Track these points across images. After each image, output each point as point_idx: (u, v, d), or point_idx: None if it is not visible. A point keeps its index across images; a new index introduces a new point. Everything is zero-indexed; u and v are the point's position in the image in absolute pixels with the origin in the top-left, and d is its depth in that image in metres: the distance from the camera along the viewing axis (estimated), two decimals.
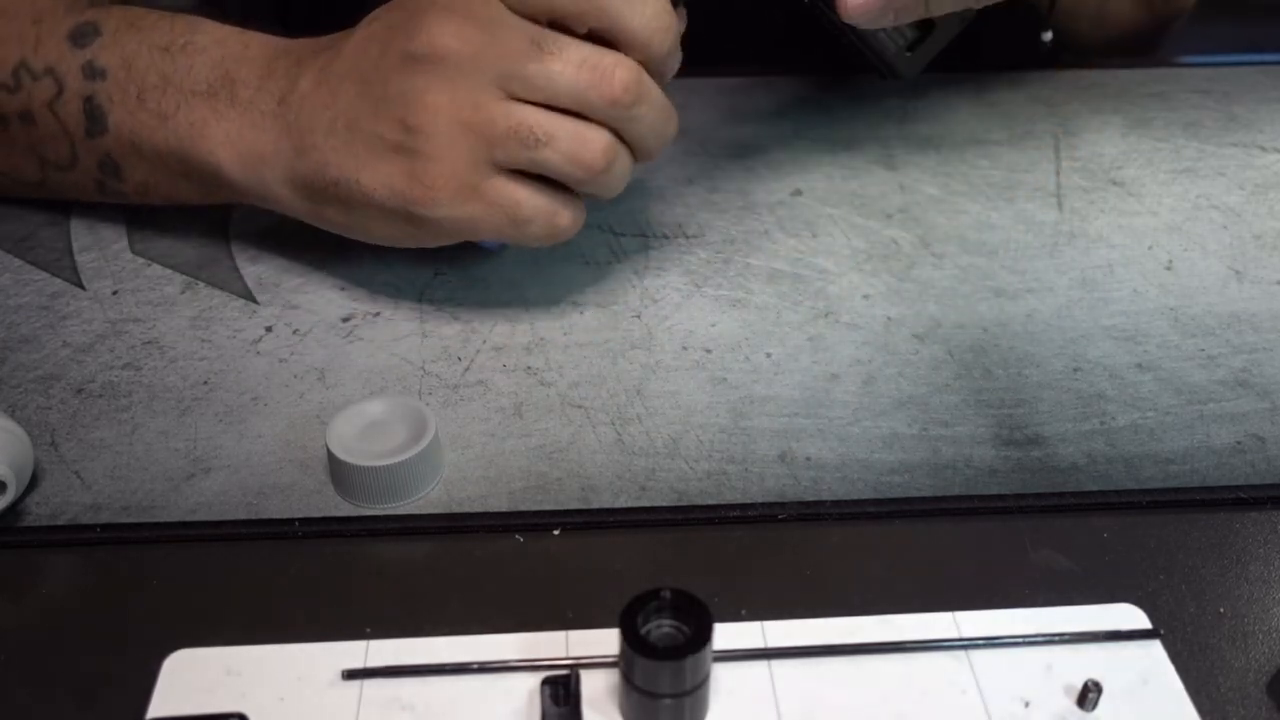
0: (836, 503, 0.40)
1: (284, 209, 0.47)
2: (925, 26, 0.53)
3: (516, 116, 0.42)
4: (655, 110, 0.44)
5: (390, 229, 0.45)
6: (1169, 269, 0.53)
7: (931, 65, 0.55)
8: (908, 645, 0.34)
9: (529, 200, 0.43)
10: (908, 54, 0.53)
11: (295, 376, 0.45)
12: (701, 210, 0.57)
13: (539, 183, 0.44)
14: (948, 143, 0.62)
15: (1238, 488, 0.41)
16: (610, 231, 0.54)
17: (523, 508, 0.40)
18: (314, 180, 0.45)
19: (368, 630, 0.35)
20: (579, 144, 0.42)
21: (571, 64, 0.41)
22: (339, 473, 0.39)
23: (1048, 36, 0.57)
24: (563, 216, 0.44)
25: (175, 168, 0.48)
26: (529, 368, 0.46)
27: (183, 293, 0.50)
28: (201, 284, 0.51)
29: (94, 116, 0.48)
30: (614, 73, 0.42)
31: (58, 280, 0.51)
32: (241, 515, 0.39)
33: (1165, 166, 0.60)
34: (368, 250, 0.49)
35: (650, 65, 0.43)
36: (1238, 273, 0.53)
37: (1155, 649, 0.34)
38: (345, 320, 0.49)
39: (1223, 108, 0.65)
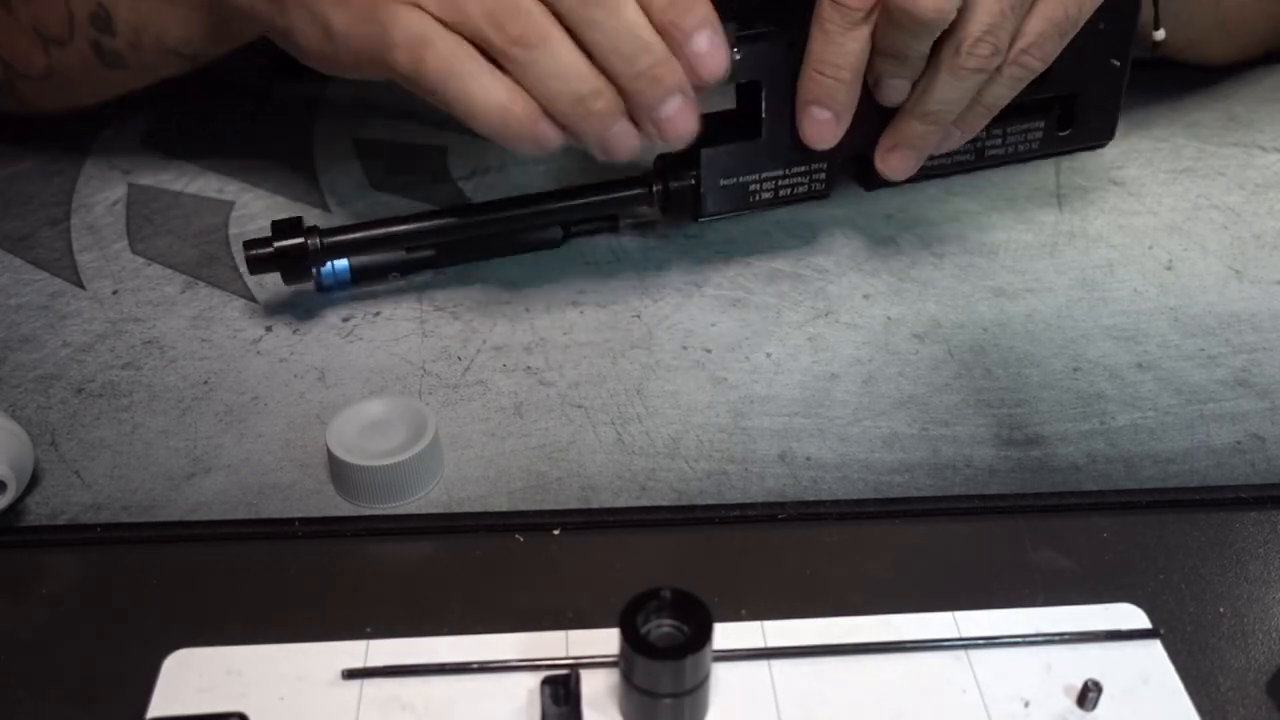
0: (836, 503, 0.40)
1: (245, 9, 0.44)
2: None
3: None
4: (613, 31, 0.38)
5: (312, 33, 0.42)
6: (1169, 269, 0.53)
7: None
8: (908, 645, 0.34)
9: (406, 23, 0.38)
10: None
11: (295, 376, 0.45)
12: None
13: (444, 27, 0.39)
14: None
15: (1238, 488, 0.41)
16: (610, 231, 0.54)
17: (523, 508, 0.40)
18: None
19: (368, 630, 0.35)
20: (506, 7, 0.38)
21: None
22: (339, 473, 0.39)
23: (1160, 35, 0.54)
24: (433, 53, 0.38)
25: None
26: (529, 368, 0.46)
27: (183, 293, 0.50)
28: (201, 284, 0.51)
29: (105, 21, 0.49)
30: None
31: (58, 280, 0.51)
32: (241, 515, 0.39)
33: (1165, 166, 0.60)
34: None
35: None
36: (1238, 273, 0.53)
37: (1155, 649, 0.34)
38: (345, 320, 0.49)
39: (1223, 108, 0.65)
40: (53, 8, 0.51)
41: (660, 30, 0.39)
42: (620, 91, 0.40)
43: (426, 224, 0.48)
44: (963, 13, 0.43)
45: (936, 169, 0.51)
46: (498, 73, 0.39)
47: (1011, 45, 0.45)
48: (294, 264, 0.46)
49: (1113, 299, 0.51)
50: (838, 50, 0.43)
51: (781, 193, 0.49)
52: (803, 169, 0.49)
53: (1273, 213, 0.57)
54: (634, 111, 0.41)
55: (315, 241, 0.46)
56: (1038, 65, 0.46)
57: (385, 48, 0.39)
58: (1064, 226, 0.56)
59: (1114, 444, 0.43)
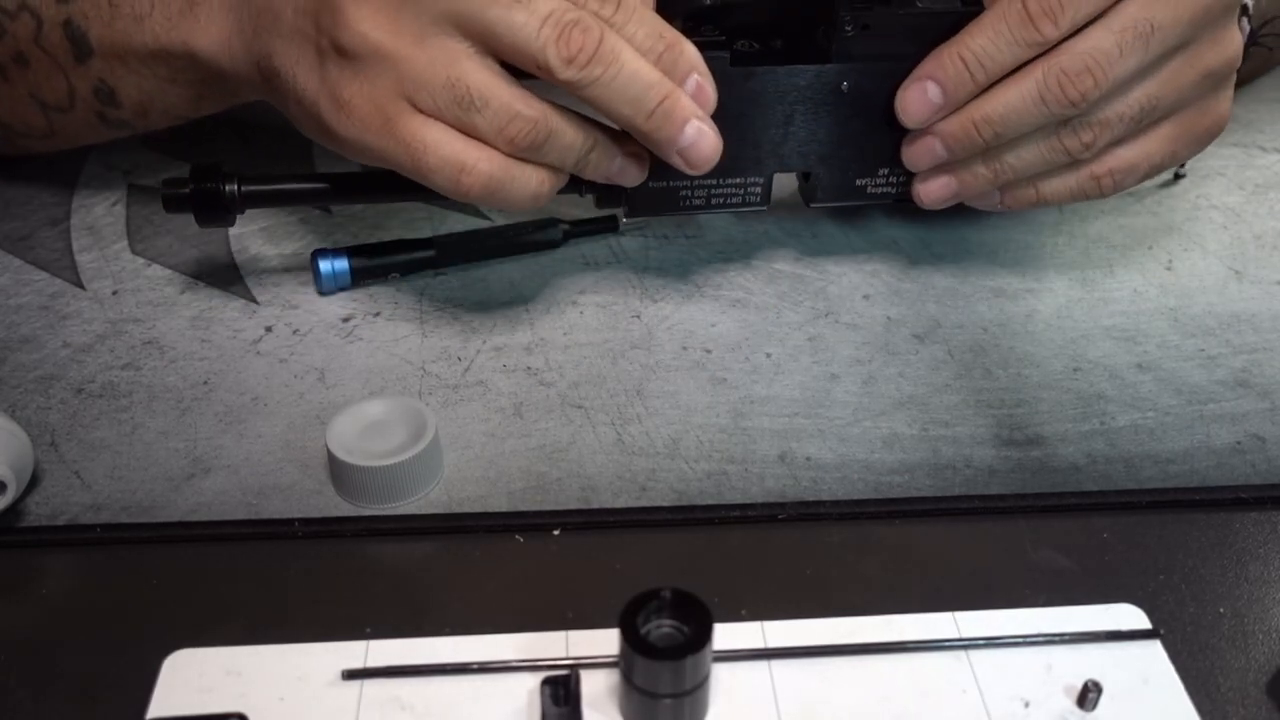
0: (836, 503, 0.40)
1: (256, 92, 0.47)
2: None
3: (457, 71, 0.40)
4: (619, 78, 0.40)
5: (315, 132, 0.44)
6: (1169, 269, 0.53)
7: None
8: (908, 645, 0.34)
9: (437, 149, 0.41)
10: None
11: (295, 376, 0.45)
12: None
13: (465, 139, 0.41)
14: None
15: (1238, 488, 0.41)
16: (610, 231, 0.54)
17: (523, 508, 0.40)
18: (264, 64, 0.44)
19: (368, 630, 0.35)
20: (508, 116, 0.40)
21: (538, 15, 0.39)
22: (339, 473, 0.39)
23: (1245, 26, 0.53)
24: (471, 176, 0.41)
25: (161, 71, 0.48)
26: (529, 368, 0.46)
27: (183, 293, 0.50)
28: (201, 284, 0.51)
29: (76, 39, 0.48)
30: (572, 31, 0.39)
31: (58, 280, 0.51)
32: (241, 515, 0.39)
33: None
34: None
35: (622, 28, 0.41)
36: (1238, 273, 0.53)
37: (1155, 649, 0.34)
38: (345, 320, 0.49)
39: None
40: (51, 80, 0.50)
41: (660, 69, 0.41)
42: (639, 134, 0.42)
43: (342, 183, 0.47)
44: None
45: (881, 197, 0.50)
46: (525, 165, 0.42)
47: (1106, 155, 0.46)
48: (210, 207, 0.45)
49: (1113, 299, 0.51)
50: (995, 50, 0.43)
51: (714, 200, 0.48)
52: (737, 180, 0.48)
53: (1273, 213, 0.57)
54: (657, 148, 0.43)
55: (234, 187, 0.46)
56: (1108, 190, 0.47)
57: (419, 172, 0.41)
58: (1064, 226, 0.56)
59: (1114, 444, 0.43)
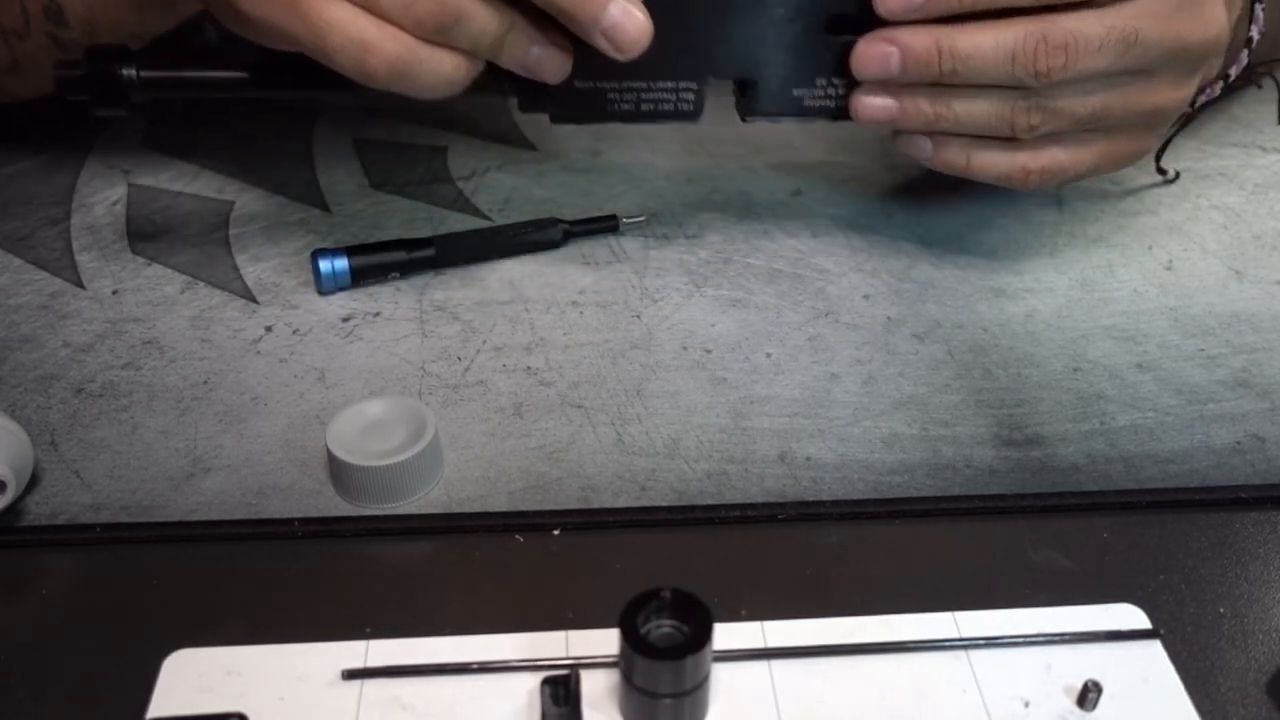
0: (836, 503, 0.40)
1: None
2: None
3: None
4: None
5: (226, 15, 0.43)
6: (1169, 269, 0.53)
7: None
8: (908, 645, 0.34)
9: (341, 28, 0.40)
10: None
11: (295, 376, 0.45)
12: (701, 210, 0.57)
13: (370, 18, 0.40)
14: None
15: (1238, 488, 0.41)
16: (610, 231, 0.54)
17: (523, 508, 0.40)
18: None
19: (368, 630, 0.35)
20: None
21: None
22: (339, 473, 0.39)
23: (1243, 59, 0.53)
24: (376, 57, 0.40)
25: None
26: (529, 368, 0.46)
27: (183, 293, 0.50)
28: (201, 284, 0.51)
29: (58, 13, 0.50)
30: None
31: (58, 280, 0.51)
32: (241, 515, 0.39)
33: (1165, 166, 0.60)
34: None
35: None
36: (1238, 273, 0.53)
37: (1155, 649, 0.34)
38: (345, 320, 0.49)
39: (1223, 108, 0.65)
40: (6, 3, 0.51)
41: None
42: (557, 11, 0.41)
43: (253, 73, 0.45)
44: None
45: (818, 111, 0.48)
46: (435, 48, 0.41)
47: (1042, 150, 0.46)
48: (106, 92, 0.44)
49: (1113, 299, 0.51)
50: None
51: (644, 107, 0.46)
52: (669, 85, 0.45)
53: (1273, 213, 0.57)
54: (579, 29, 0.42)
55: (131, 71, 0.44)
56: (1032, 185, 0.48)
57: (324, 52, 0.40)
58: (1064, 226, 0.56)
59: (1114, 444, 0.43)
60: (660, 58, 0.42)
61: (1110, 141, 0.47)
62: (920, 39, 0.44)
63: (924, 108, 0.46)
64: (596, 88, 0.45)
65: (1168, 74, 0.46)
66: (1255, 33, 0.52)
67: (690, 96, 0.46)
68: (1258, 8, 0.52)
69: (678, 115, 0.47)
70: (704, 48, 0.45)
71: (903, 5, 0.44)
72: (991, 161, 0.47)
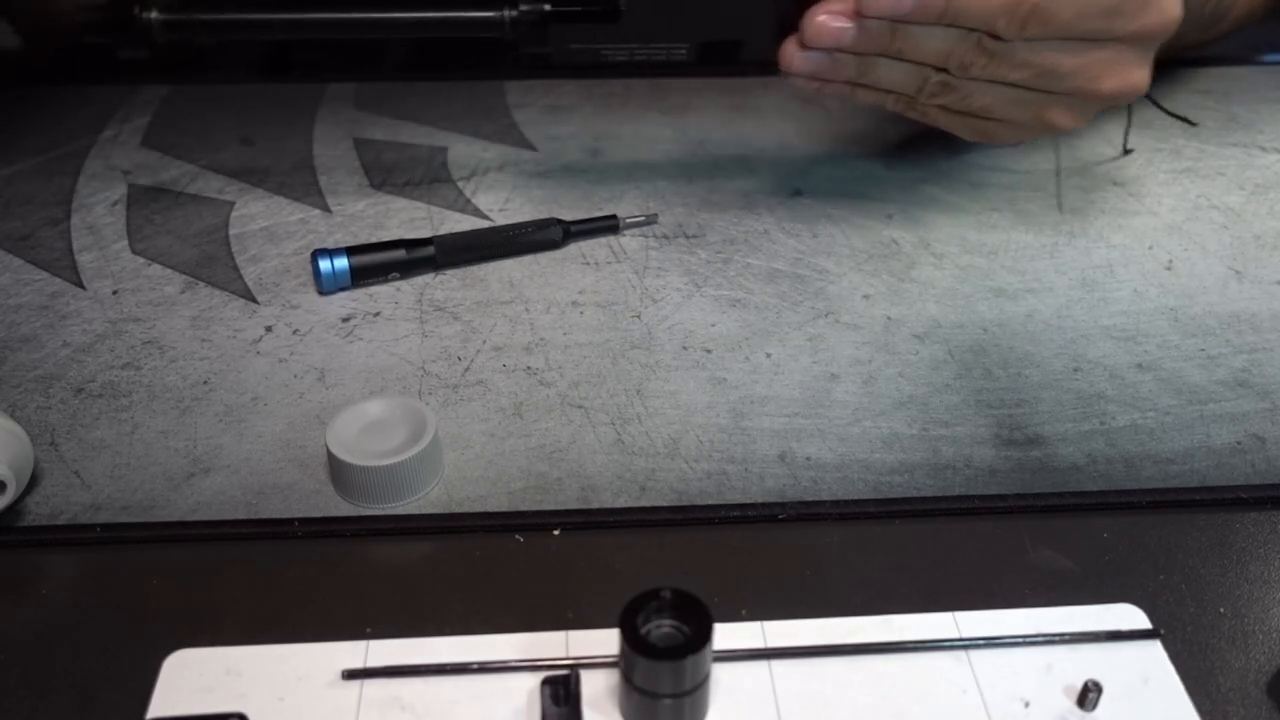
0: (836, 503, 0.40)
1: None
2: None
3: None
4: None
5: None
6: (1169, 269, 0.53)
7: None
8: (908, 645, 0.34)
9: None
10: None
11: (295, 376, 0.45)
12: (701, 210, 0.57)
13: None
14: (948, 143, 0.62)
15: (1238, 488, 0.41)
16: (610, 231, 0.54)
17: (523, 508, 0.40)
18: None
19: (368, 630, 0.35)
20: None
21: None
22: (339, 473, 0.39)
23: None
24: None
25: None
26: (529, 368, 0.46)
27: (183, 293, 0.50)
28: (201, 284, 0.51)
29: None
30: None
31: (58, 280, 0.51)
32: (241, 515, 0.39)
33: (1165, 166, 0.60)
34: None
35: None
36: (1238, 273, 0.53)
37: (1155, 649, 0.34)
38: (345, 320, 0.49)
39: (1223, 108, 0.65)
40: None
41: None
42: None
43: (267, 18, 0.45)
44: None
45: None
46: None
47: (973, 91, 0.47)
48: (127, 33, 0.44)
49: (1113, 299, 0.51)
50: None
51: (638, 58, 0.47)
52: (663, 45, 0.47)
53: (1273, 213, 0.57)
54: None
55: (151, 14, 0.44)
56: (936, 122, 0.49)
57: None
58: (1064, 226, 0.56)
59: (1114, 444, 0.43)
60: (656, 26, 0.44)
61: (1047, 102, 0.48)
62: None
63: (850, 69, 0.47)
64: (591, 47, 0.46)
65: (1129, 51, 0.46)
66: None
67: (682, 52, 0.47)
68: None
69: (671, 66, 0.48)
70: (697, 12, 0.46)
71: (800, 68, 0.45)
72: (899, 78, 0.48)
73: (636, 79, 0.68)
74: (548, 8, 0.45)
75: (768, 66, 0.48)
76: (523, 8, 0.46)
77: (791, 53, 0.46)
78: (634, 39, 0.45)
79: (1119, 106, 0.50)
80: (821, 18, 0.45)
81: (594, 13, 0.45)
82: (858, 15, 0.44)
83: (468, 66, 0.60)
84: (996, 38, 0.45)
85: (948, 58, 0.46)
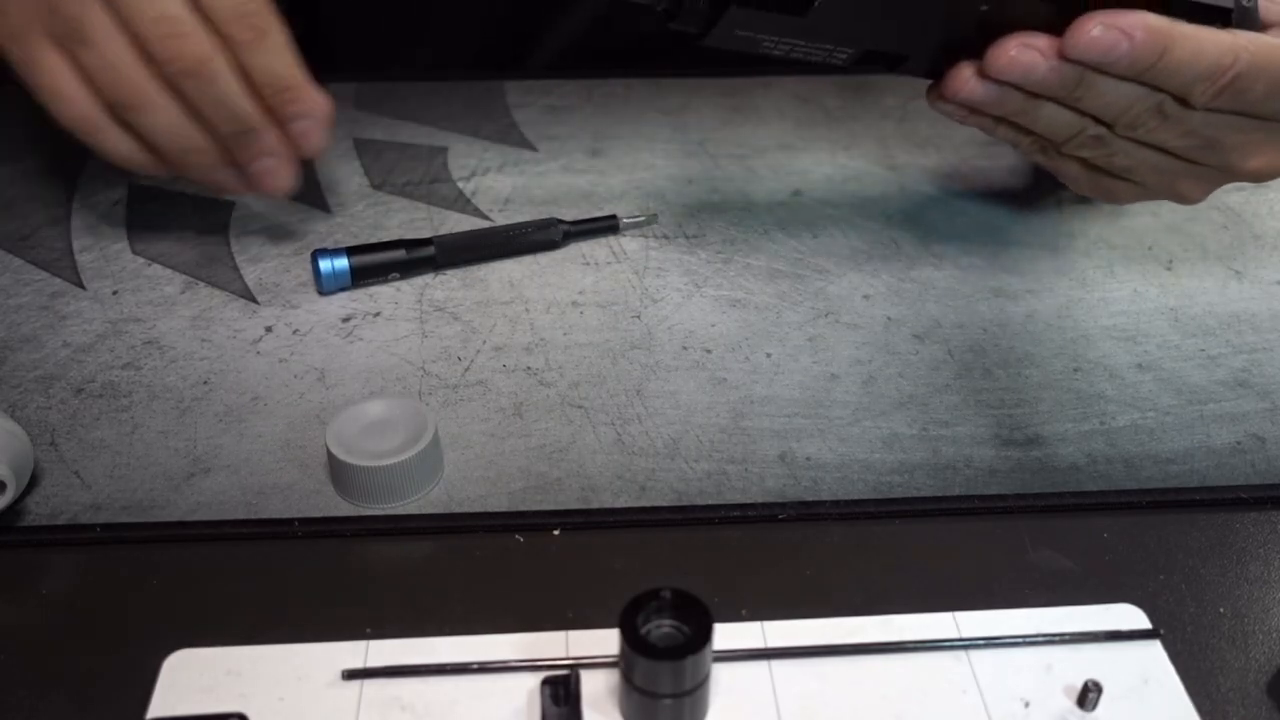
0: (836, 503, 0.40)
1: None
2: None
3: (84, 10, 0.42)
4: (208, 99, 0.44)
5: None
6: (1169, 269, 0.53)
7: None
8: (908, 645, 0.34)
9: (50, 73, 0.44)
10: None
11: (295, 376, 0.45)
12: (701, 210, 0.57)
13: (84, 81, 0.44)
14: (948, 143, 0.62)
15: (1238, 488, 0.41)
16: (610, 231, 0.54)
17: (523, 508, 0.40)
18: None
19: (368, 630, 0.35)
20: (109, 65, 0.43)
21: (158, 8, 0.42)
22: (339, 473, 0.39)
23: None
24: (67, 107, 0.44)
25: None
26: (529, 368, 0.46)
27: (183, 293, 0.50)
28: (201, 284, 0.51)
29: None
30: (187, 37, 0.43)
31: (58, 280, 0.51)
32: (241, 515, 0.39)
33: None
34: None
35: (237, 49, 0.44)
36: (1238, 273, 0.53)
37: (1155, 649, 0.34)
38: (345, 320, 0.49)
39: None
40: None
41: (266, 108, 0.46)
42: (225, 150, 0.46)
43: None
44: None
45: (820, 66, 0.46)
46: (116, 127, 0.45)
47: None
48: None
49: (1113, 299, 0.51)
50: (1181, 65, 0.41)
51: (794, 55, 0.45)
52: (828, 47, 0.44)
53: (1273, 213, 0.57)
54: (235, 162, 0.47)
55: None
56: (1092, 192, 0.49)
57: (30, 80, 0.44)
58: (1064, 226, 0.56)
59: (1114, 444, 0.43)
60: (837, 30, 0.42)
61: (1185, 176, 0.47)
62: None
63: (1016, 105, 0.44)
64: (755, 37, 0.44)
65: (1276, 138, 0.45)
66: None
67: (843, 57, 0.45)
68: None
69: (826, 67, 0.46)
70: (871, 21, 0.44)
71: (970, 95, 0.43)
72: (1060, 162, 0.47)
73: (637, 79, 0.68)
74: None
75: (918, 79, 0.46)
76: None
77: (966, 78, 0.43)
78: (804, 36, 0.43)
79: (1250, 183, 0.49)
80: (1014, 51, 0.42)
81: (786, 3, 0.43)
82: (1059, 55, 0.41)
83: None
84: (1183, 102, 0.43)
85: (1121, 114, 0.43)
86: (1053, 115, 0.44)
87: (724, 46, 0.44)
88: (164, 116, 0.45)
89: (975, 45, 0.43)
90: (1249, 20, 0.44)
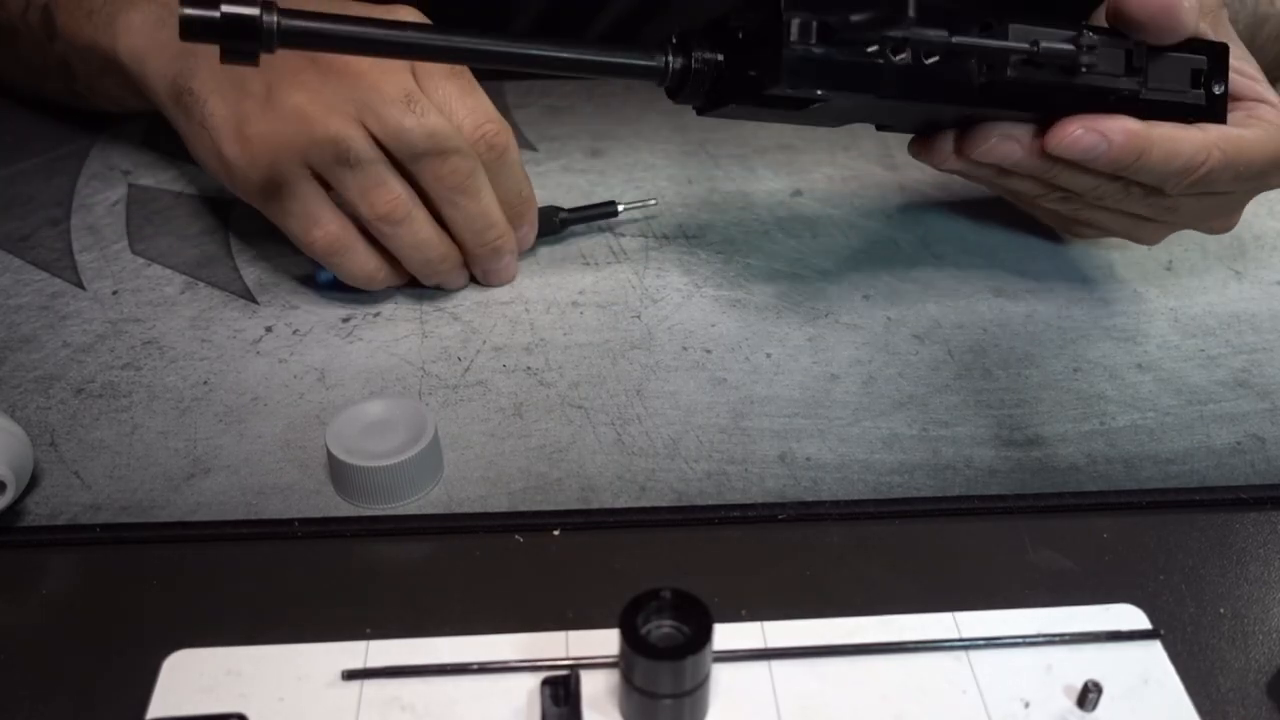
0: (836, 503, 0.40)
1: (156, 102, 0.50)
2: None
3: (346, 130, 0.44)
4: (470, 213, 0.46)
5: (210, 161, 0.48)
6: (1169, 269, 0.53)
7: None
8: (908, 645, 0.34)
9: (304, 198, 0.45)
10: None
11: (295, 376, 0.45)
12: (701, 210, 0.57)
13: (333, 206, 0.46)
14: None
15: (1238, 488, 0.41)
16: (610, 231, 0.54)
17: (523, 508, 0.40)
18: (178, 82, 0.47)
19: (368, 630, 0.35)
20: (376, 181, 0.44)
21: (426, 123, 0.44)
22: (339, 473, 0.39)
23: None
24: (320, 230, 0.45)
25: (97, 61, 0.52)
26: (529, 368, 0.46)
27: (183, 293, 0.50)
28: (201, 284, 0.51)
29: (48, 22, 0.54)
30: (450, 157, 0.45)
31: (58, 280, 0.51)
32: (241, 515, 0.39)
33: None
34: None
35: (490, 165, 0.46)
36: (1238, 273, 0.53)
37: (1155, 649, 0.34)
38: (345, 320, 0.49)
39: None
40: (31, 51, 0.56)
41: (509, 219, 0.49)
42: (466, 254, 0.49)
43: (411, 36, 0.40)
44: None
45: None
46: (372, 250, 0.47)
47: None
48: (239, 38, 0.37)
49: (1113, 299, 0.51)
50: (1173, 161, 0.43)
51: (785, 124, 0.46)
52: (822, 124, 0.45)
53: (1273, 213, 0.57)
54: (472, 265, 0.50)
55: (272, 19, 0.37)
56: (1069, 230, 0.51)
57: (278, 207, 0.46)
58: None
59: (1114, 444, 0.43)
60: (824, 113, 0.42)
61: (1143, 226, 0.49)
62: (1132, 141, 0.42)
63: (990, 175, 0.46)
64: (751, 109, 0.43)
65: (1245, 197, 0.48)
66: None
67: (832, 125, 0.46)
68: None
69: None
70: (864, 113, 0.45)
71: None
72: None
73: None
74: (720, 58, 0.41)
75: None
76: (697, 59, 0.41)
77: (946, 154, 0.44)
78: (799, 121, 0.43)
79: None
80: (994, 140, 0.43)
81: (782, 103, 0.41)
82: (1041, 154, 0.42)
83: None
84: (1155, 191, 0.44)
85: (1090, 191, 0.45)
86: (1023, 183, 0.46)
87: (719, 115, 0.44)
88: (424, 230, 0.46)
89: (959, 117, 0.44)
90: (1217, 108, 0.45)
